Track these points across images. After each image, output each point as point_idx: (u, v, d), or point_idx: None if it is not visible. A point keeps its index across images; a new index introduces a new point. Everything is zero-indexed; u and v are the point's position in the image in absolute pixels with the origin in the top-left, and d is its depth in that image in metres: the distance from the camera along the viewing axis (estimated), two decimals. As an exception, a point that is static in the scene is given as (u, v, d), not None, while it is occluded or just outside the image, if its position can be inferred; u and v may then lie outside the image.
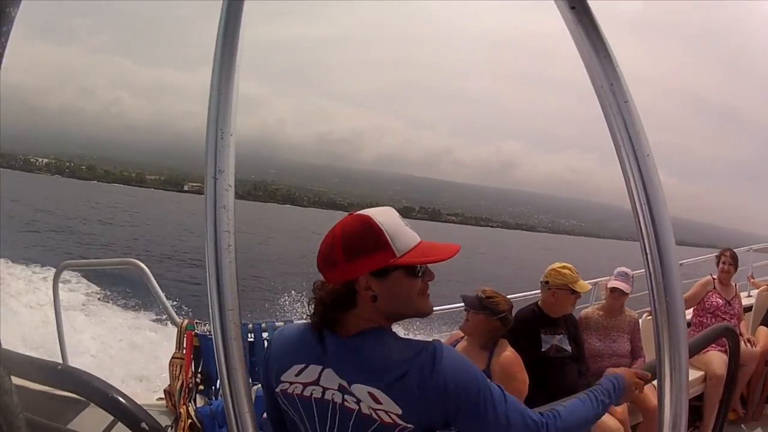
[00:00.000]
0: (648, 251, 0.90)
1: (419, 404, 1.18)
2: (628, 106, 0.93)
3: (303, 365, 1.31)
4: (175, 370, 2.97)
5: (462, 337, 2.92)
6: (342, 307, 1.29)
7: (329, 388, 1.27)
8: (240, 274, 0.89)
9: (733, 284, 4.71)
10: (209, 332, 2.86)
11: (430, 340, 1.31)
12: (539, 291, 3.42)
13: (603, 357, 3.69)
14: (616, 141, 0.94)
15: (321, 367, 1.29)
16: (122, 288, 14.11)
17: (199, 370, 2.98)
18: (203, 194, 0.89)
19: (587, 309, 4.01)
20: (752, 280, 6.07)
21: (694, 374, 4.04)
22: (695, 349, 2.77)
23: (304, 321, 1.39)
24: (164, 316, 3.38)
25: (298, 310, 12.97)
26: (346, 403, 1.24)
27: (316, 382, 1.29)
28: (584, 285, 3.31)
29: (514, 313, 2.90)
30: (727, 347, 2.97)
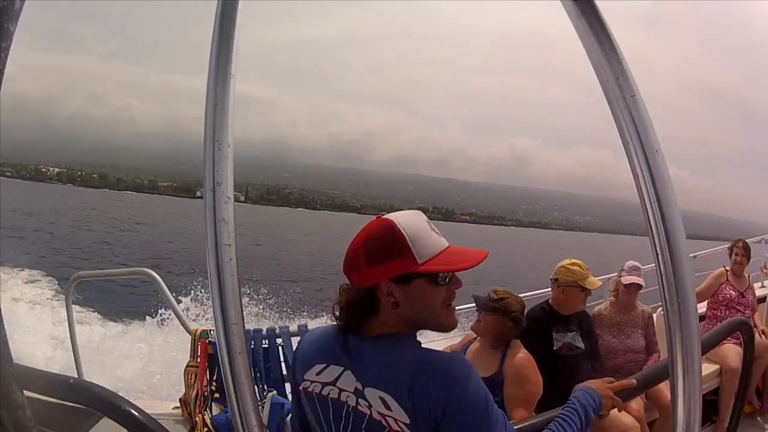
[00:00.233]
0: (659, 251, 0.88)
1: (424, 415, 1.16)
2: (635, 100, 0.91)
3: (324, 365, 1.32)
4: (190, 379, 2.98)
5: (475, 338, 2.91)
6: (365, 312, 1.28)
7: (345, 390, 1.27)
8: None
9: (746, 275, 4.67)
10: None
11: (449, 351, 1.30)
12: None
13: (618, 353, 3.66)
14: (623, 137, 0.92)
15: (341, 368, 1.29)
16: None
17: (214, 378, 2.98)
18: None
19: (600, 305, 3.98)
20: (765, 270, 6.03)
21: (709, 368, 4.00)
22: (709, 346, 2.74)
23: (332, 324, 1.38)
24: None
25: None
26: (359, 406, 1.24)
27: (334, 383, 1.29)
28: (594, 281, 3.28)
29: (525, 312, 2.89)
30: (742, 340, 2.93)
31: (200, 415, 2.82)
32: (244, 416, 0.83)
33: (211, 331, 2.99)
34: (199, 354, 2.99)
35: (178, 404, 3.04)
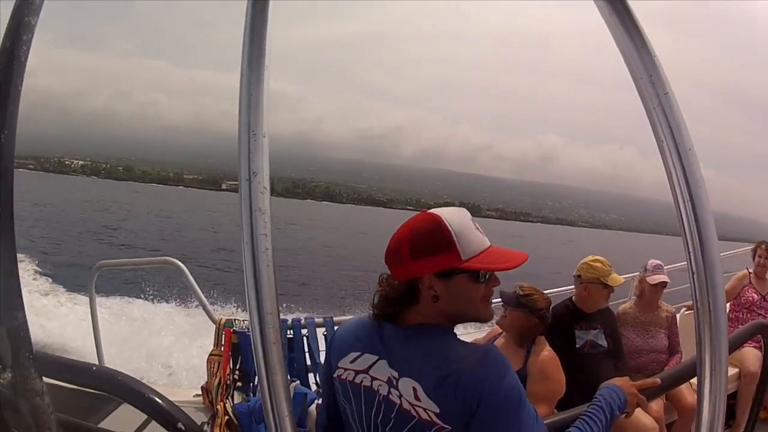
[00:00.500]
0: (691, 249, 0.87)
1: (455, 406, 1.17)
2: (668, 98, 0.90)
3: (359, 353, 1.35)
4: (213, 367, 3.01)
5: (500, 333, 2.91)
6: (404, 302, 1.30)
7: (377, 379, 1.29)
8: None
9: None
10: (248, 329, 2.89)
11: (485, 343, 1.31)
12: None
13: (641, 353, 3.64)
14: (657, 135, 0.90)
15: (376, 357, 1.31)
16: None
17: (237, 367, 3.01)
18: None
19: (624, 304, 3.94)
20: None
21: (728, 371, 3.92)
22: (730, 349, 2.70)
23: (368, 313, 1.40)
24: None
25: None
26: (390, 395, 1.26)
27: (366, 371, 1.31)
28: (617, 278, 3.25)
29: None
30: (762, 344, 2.88)
31: (222, 404, 2.85)
32: (275, 405, 0.83)
33: (236, 321, 3.02)
34: (222, 343, 3.02)
35: (200, 392, 3.09)
